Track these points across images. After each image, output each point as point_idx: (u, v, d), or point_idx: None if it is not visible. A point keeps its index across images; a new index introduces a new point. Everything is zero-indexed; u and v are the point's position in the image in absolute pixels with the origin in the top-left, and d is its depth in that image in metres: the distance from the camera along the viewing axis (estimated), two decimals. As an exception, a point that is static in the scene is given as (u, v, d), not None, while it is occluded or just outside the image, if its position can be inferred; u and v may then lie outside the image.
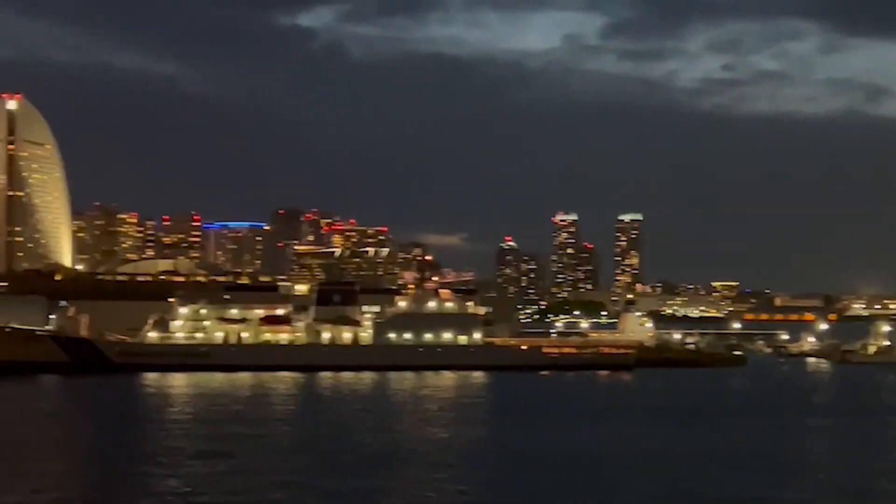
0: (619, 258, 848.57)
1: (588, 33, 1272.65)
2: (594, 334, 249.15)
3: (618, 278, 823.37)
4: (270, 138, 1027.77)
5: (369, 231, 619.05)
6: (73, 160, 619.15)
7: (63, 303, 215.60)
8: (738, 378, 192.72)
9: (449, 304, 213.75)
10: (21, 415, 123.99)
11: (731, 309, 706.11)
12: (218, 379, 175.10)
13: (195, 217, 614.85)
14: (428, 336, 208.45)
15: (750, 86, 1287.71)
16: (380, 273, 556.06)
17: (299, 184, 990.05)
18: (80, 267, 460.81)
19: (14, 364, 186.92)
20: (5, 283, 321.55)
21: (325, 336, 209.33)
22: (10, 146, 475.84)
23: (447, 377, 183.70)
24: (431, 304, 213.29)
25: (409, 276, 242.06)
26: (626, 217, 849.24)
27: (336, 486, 74.00)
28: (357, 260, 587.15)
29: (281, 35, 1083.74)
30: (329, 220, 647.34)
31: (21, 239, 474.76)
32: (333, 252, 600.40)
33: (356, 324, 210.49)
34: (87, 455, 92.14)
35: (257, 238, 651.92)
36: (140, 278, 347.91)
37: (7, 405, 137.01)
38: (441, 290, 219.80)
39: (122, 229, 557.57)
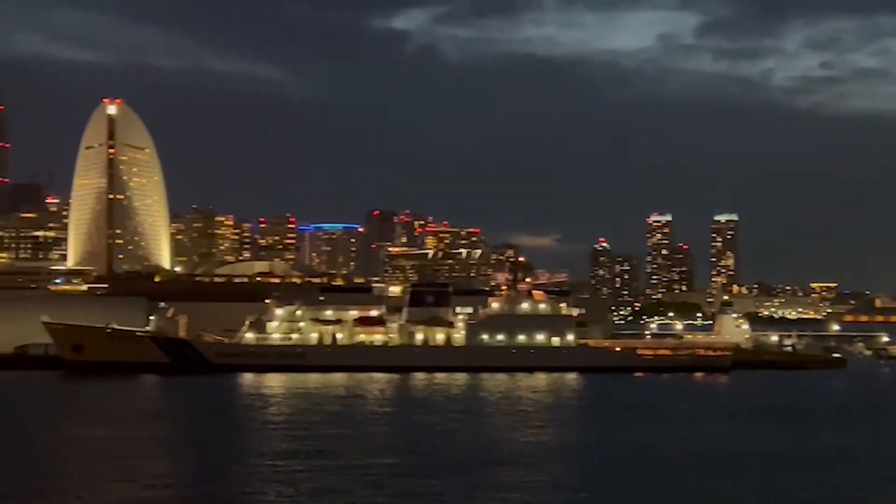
0: (715, 259, 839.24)
1: (683, 32, 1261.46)
2: (689, 336, 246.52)
3: (713, 279, 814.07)
4: (365, 140, 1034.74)
5: (462, 232, 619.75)
6: (172, 163, 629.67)
7: (162, 304, 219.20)
8: (838, 380, 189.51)
9: (542, 306, 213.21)
10: (125, 413, 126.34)
11: (830, 310, 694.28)
12: (313, 380, 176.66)
13: (290, 219, 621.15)
14: (521, 337, 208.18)
15: (848, 84, 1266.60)
16: (472, 274, 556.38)
17: (393, 186, 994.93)
18: (178, 268, 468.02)
19: (116, 364, 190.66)
20: (106, 285, 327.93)
21: (419, 337, 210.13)
22: (111, 150, 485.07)
23: (540, 379, 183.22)
24: (524, 306, 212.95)
25: (501, 277, 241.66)
26: (722, 217, 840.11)
27: (432, 488, 74.24)
28: (450, 261, 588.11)
29: (375, 38, 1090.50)
30: (422, 222, 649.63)
31: (121, 241, 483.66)
32: (426, 253, 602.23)
33: (449, 325, 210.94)
34: (189, 453, 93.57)
35: (351, 240, 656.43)
36: (237, 280, 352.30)
37: (111, 404, 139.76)
38: (534, 292, 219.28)
39: (219, 231, 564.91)
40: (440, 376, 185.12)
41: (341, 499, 70.68)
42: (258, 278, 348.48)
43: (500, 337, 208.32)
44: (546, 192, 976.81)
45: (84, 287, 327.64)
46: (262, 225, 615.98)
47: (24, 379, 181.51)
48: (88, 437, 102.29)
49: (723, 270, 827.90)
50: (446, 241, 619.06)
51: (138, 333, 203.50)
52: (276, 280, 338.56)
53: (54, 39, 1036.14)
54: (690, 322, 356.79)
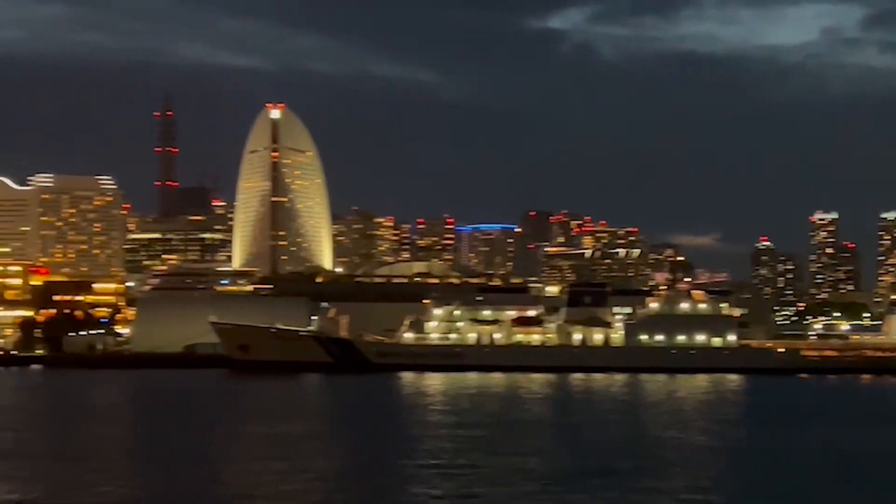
0: (883, 258, 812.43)
1: (847, 25, 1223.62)
2: (856, 337, 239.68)
3: (881, 279, 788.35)
4: (521, 140, 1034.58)
5: (620, 232, 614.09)
6: (333, 166, 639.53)
7: (324, 304, 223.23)
8: None
9: (702, 306, 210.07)
10: (291, 411, 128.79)
11: None
12: (471, 379, 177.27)
13: (448, 220, 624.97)
14: (680, 338, 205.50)
15: None
16: (631, 274, 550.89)
17: (550, 186, 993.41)
18: (339, 269, 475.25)
19: (280, 363, 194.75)
20: (270, 286, 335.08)
21: (576, 337, 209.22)
22: (274, 154, 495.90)
23: (701, 380, 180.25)
24: (684, 306, 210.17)
25: (660, 277, 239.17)
26: (890, 215, 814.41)
27: (594, 488, 73.73)
28: (608, 261, 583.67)
29: (531, 38, 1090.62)
30: (579, 222, 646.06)
31: (284, 243, 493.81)
32: (584, 253, 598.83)
33: (607, 325, 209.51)
34: (353, 451, 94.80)
35: (508, 240, 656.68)
36: (396, 280, 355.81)
37: (276, 402, 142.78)
38: (694, 292, 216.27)
39: (378, 233, 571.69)
40: (598, 377, 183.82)
41: (501, 498, 70.67)
42: (417, 279, 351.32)
43: (659, 337, 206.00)
44: (706, 190, 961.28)
45: (249, 288, 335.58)
46: (421, 226, 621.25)
47: (192, 377, 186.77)
48: (257, 433, 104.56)
49: (891, 269, 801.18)
50: (604, 241, 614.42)
51: (301, 333, 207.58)
52: (435, 280, 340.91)
53: (219, 47, 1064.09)
54: (857, 323, 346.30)
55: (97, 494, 71.11)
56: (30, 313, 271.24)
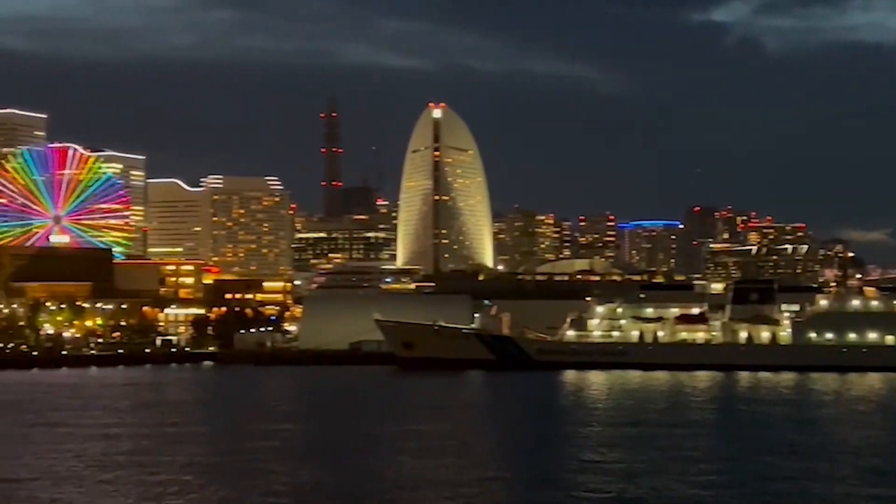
0: None
1: None
2: None
3: None
4: (683, 135, 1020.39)
5: (787, 228, 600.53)
6: (494, 164, 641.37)
7: (486, 302, 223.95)
8: None
9: (874, 303, 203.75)
10: (455, 408, 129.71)
11: None
12: (635, 377, 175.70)
13: (610, 217, 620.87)
14: (851, 336, 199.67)
15: None
16: (798, 271, 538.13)
17: (713, 181, 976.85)
18: (500, 267, 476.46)
19: (443, 360, 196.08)
20: (432, 284, 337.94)
21: (742, 335, 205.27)
22: (436, 153, 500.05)
23: (873, 379, 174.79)
24: (855, 303, 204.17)
25: (830, 273, 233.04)
26: None
27: (767, 489, 72.37)
28: (774, 257, 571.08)
29: (694, 31, 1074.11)
30: (744, 218, 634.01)
31: (447, 241, 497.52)
32: (750, 250, 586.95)
33: (775, 323, 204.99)
34: (522, 448, 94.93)
35: (671, 237, 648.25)
36: (557, 278, 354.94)
37: (440, 399, 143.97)
38: (865, 288, 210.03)
39: (540, 230, 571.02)
40: (765, 375, 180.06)
41: (666, 494, 69.84)
42: (578, 276, 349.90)
43: (829, 335, 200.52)
44: (876, 184, 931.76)
45: (412, 286, 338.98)
46: (582, 223, 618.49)
47: (359, 374, 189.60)
48: (423, 431, 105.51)
49: None
50: (770, 237, 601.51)
51: (464, 330, 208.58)
52: (597, 278, 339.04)
53: (381, 48, 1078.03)
54: None
55: (272, 484, 72.91)
56: (202, 311, 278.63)
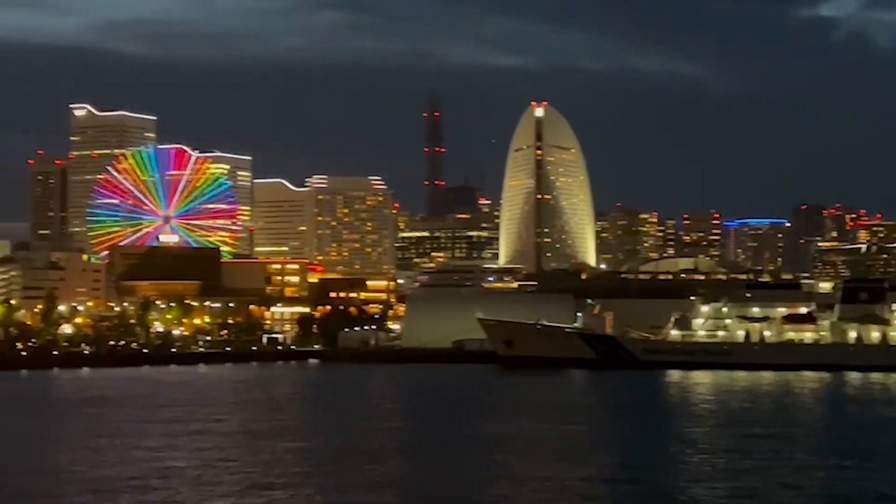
0: None
1: None
2: None
3: None
4: (791, 132, 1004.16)
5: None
6: (597, 163, 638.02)
7: (589, 301, 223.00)
8: None
9: None
10: (561, 407, 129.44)
11: None
12: (740, 377, 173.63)
13: (714, 215, 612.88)
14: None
15: None
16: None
17: (821, 179, 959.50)
18: (603, 266, 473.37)
19: (545, 359, 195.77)
20: (534, 282, 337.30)
21: (852, 335, 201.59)
22: (539, 151, 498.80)
23: None
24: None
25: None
26: None
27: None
28: (884, 256, 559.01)
29: (801, 27, 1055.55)
30: (853, 215, 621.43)
31: (549, 240, 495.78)
32: (859, 248, 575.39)
33: (885, 322, 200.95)
34: (624, 448, 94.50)
35: (778, 235, 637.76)
36: (661, 276, 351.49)
37: (541, 397, 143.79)
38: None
39: (643, 229, 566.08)
40: (876, 376, 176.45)
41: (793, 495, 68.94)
42: (682, 275, 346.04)
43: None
44: None
45: (514, 285, 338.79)
46: (686, 222, 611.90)
47: (461, 372, 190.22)
48: (525, 429, 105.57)
49: None
50: (880, 235, 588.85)
51: (567, 329, 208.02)
52: (701, 277, 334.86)
53: (484, 47, 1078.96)
54: None
55: (376, 480, 73.66)
56: (307, 310, 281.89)
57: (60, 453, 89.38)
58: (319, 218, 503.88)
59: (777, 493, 70.61)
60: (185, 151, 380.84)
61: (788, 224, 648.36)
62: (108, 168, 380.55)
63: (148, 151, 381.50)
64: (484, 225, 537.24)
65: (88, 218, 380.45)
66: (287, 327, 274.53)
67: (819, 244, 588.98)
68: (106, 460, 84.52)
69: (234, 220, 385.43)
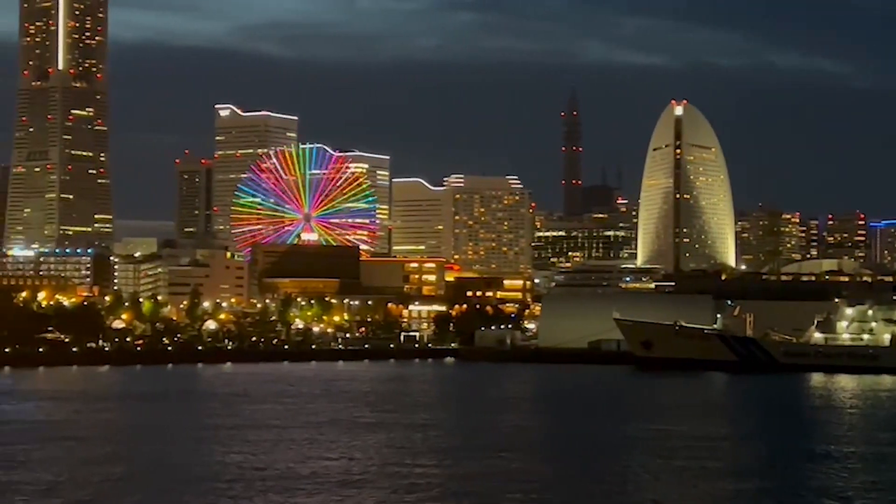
0: None
1: None
2: None
3: None
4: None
5: None
6: (737, 162, 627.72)
7: (729, 302, 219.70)
8: None
9: None
10: (704, 409, 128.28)
11: None
12: (886, 382, 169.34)
13: (860, 215, 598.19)
14: None
15: None
16: None
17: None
18: (743, 267, 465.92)
19: (683, 361, 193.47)
20: (673, 283, 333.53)
21: None
22: (678, 151, 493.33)
23: None
24: None
25: None
26: None
27: None
28: None
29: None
30: None
31: (688, 240, 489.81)
32: None
33: None
34: (771, 452, 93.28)
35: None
36: (804, 278, 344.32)
37: (680, 399, 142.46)
38: None
39: (785, 229, 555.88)
40: None
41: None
42: (826, 277, 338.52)
43: None
44: None
45: (652, 285, 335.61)
46: (830, 222, 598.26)
47: (597, 373, 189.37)
48: (666, 431, 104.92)
49: None
50: None
51: (706, 331, 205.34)
52: (845, 279, 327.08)
53: (621, 46, 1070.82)
54: None
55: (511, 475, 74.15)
56: (444, 308, 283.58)
57: (218, 445, 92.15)
58: (456, 217, 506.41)
59: None
60: (330, 152, 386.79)
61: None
62: (253, 167, 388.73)
63: (307, 149, 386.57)
64: (621, 224, 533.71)
65: (237, 194, 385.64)
66: (424, 325, 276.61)
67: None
68: (257, 451, 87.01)
69: (372, 220, 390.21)
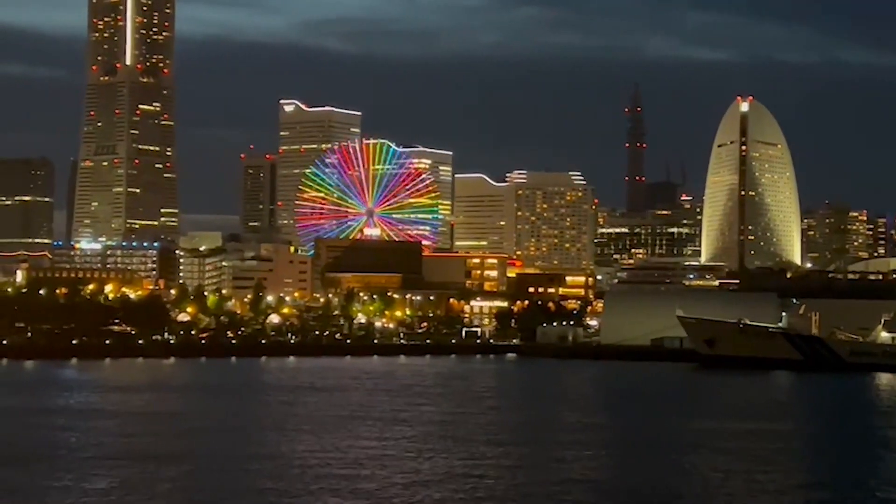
0: None
1: None
2: None
3: None
4: None
5: None
6: (804, 159, 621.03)
7: (794, 300, 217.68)
8: None
9: None
10: (760, 408, 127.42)
11: None
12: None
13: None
14: None
15: None
16: None
17: None
18: (809, 265, 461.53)
19: (747, 359, 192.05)
20: (737, 281, 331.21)
21: None
22: (743, 147, 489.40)
23: None
24: None
25: None
26: None
27: None
28: None
29: None
30: None
31: (752, 237, 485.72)
32: None
33: None
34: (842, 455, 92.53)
35: None
36: (871, 276, 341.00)
37: (745, 397, 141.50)
38: None
39: (852, 227, 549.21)
40: None
41: None
42: (894, 275, 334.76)
43: None
44: None
45: (715, 283, 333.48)
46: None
47: (660, 371, 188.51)
48: (730, 429, 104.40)
49: None
50: None
51: (770, 329, 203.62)
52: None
53: (687, 41, 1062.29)
54: None
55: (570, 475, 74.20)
56: (505, 304, 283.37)
57: (285, 438, 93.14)
58: (519, 213, 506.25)
59: None
60: (391, 146, 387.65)
61: None
62: (317, 162, 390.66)
63: (371, 144, 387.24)
64: (685, 221, 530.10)
65: (301, 188, 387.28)
66: (486, 321, 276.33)
67: None
68: (326, 445, 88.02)
69: (434, 229, 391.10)
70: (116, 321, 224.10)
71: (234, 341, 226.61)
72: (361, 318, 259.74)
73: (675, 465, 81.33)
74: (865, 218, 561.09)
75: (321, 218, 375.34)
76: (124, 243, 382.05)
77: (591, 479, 75.09)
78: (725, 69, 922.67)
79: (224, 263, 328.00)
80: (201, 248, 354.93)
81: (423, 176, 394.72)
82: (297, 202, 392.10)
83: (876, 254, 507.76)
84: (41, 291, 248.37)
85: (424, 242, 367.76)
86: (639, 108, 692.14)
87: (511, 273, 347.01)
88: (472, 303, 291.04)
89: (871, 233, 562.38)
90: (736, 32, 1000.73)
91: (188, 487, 70.96)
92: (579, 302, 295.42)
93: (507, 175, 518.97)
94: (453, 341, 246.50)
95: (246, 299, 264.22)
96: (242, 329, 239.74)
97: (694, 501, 68.66)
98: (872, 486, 74.79)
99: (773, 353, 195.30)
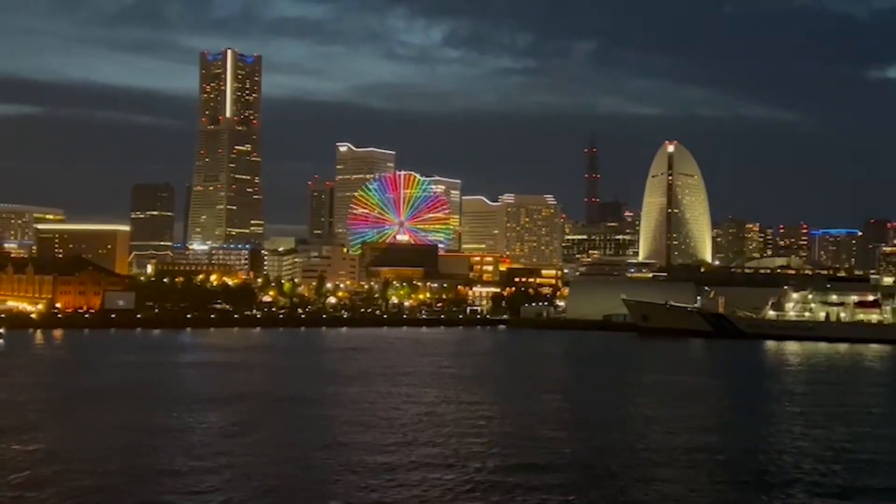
0: None
1: None
2: None
3: None
4: (860, 161, 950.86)
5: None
6: (713, 185, 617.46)
7: (706, 288, 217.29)
8: None
9: None
10: (681, 364, 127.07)
11: None
12: (821, 348, 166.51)
13: (804, 226, 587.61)
14: None
15: None
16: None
17: (887, 198, 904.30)
18: (717, 262, 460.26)
19: (672, 330, 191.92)
20: (665, 273, 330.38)
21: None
22: (670, 177, 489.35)
23: None
24: None
25: None
26: None
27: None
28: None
29: (873, 86, 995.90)
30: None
31: (676, 242, 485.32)
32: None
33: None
34: (743, 402, 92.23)
35: (852, 241, 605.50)
36: (762, 271, 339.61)
37: (670, 357, 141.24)
38: None
39: (748, 236, 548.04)
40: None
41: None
42: (778, 270, 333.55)
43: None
44: None
45: (649, 275, 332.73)
46: (782, 230, 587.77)
47: (608, 338, 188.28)
48: (660, 381, 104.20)
49: None
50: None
51: (689, 309, 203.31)
52: (792, 272, 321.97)
53: (630, 100, 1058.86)
54: None
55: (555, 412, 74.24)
56: (498, 290, 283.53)
57: (340, 384, 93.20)
58: (508, 224, 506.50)
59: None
60: (417, 176, 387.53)
61: (860, 233, 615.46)
62: (363, 187, 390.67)
63: (403, 175, 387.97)
64: (628, 231, 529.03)
65: (356, 195, 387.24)
66: (484, 302, 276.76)
67: (884, 249, 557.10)
68: (372, 390, 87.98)
69: (446, 211, 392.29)
70: (218, 301, 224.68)
71: (303, 316, 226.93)
72: (394, 300, 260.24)
73: (619, 405, 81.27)
74: (758, 228, 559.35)
75: (366, 227, 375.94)
76: (224, 245, 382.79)
77: (562, 409, 75.10)
78: (658, 121, 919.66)
79: (296, 260, 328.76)
80: (280, 249, 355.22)
81: (441, 198, 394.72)
82: (349, 216, 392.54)
83: (765, 255, 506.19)
84: (165, 280, 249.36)
85: (440, 246, 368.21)
86: (594, 150, 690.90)
87: (502, 267, 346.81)
88: (475, 289, 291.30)
89: (762, 239, 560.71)
90: (666, 94, 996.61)
91: (278, 413, 71.23)
92: (551, 289, 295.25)
93: (500, 197, 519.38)
94: (460, 316, 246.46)
95: (311, 286, 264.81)
96: (309, 307, 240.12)
97: (637, 427, 68.58)
98: (757, 409, 74.85)
99: (691, 326, 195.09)
